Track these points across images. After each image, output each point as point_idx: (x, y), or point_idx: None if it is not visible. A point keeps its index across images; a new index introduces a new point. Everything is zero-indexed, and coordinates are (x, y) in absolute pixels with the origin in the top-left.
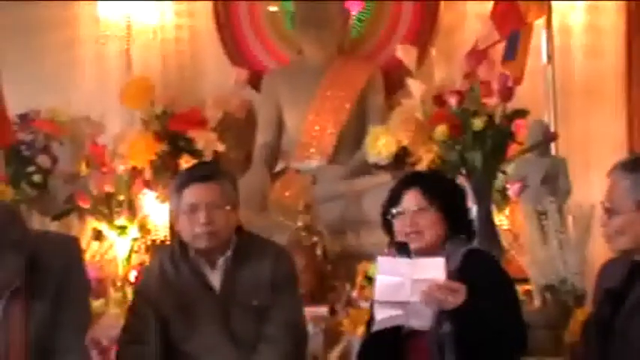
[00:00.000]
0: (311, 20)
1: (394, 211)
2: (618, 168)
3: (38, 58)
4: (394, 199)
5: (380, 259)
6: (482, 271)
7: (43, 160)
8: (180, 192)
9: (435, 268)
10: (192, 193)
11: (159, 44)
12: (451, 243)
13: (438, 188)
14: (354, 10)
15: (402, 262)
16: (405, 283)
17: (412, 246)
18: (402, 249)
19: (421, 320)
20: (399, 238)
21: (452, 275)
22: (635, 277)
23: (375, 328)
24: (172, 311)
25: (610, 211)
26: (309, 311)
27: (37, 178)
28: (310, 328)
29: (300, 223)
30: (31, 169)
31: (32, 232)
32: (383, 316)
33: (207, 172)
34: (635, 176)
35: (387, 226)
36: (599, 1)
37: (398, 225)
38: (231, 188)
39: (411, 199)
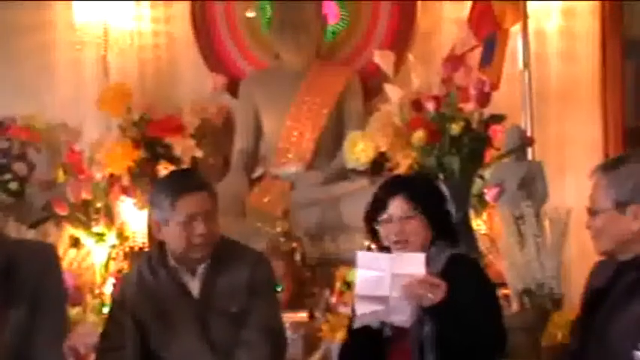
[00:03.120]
0: (288, 25)
1: (380, 217)
2: (598, 169)
3: (14, 64)
4: (379, 205)
5: (359, 253)
6: (465, 275)
7: (19, 167)
8: (174, 201)
9: (415, 263)
10: (189, 203)
11: (136, 50)
12: (435, 247)
13: (424, 194)
14: (331, 21)
15: (382, 257)
16: (385, 277)
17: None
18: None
19: (401, 316)
20: (385, 244)
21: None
22: (617, 276)
23: (356, 324)
24: (151, 318)
25: (592, 212)
26: (288, 317)
27: (13, 185)
28: (289, 333)
29: (278, 229)
30: (8, 176)
31: (8, 240)
32: (363, 311)
33: (199, 181)
34: (612, 176)
35: (371, 231)
36: (575, 2)
37: (384, 232)
38: (215, 196)
39: (397, 206)
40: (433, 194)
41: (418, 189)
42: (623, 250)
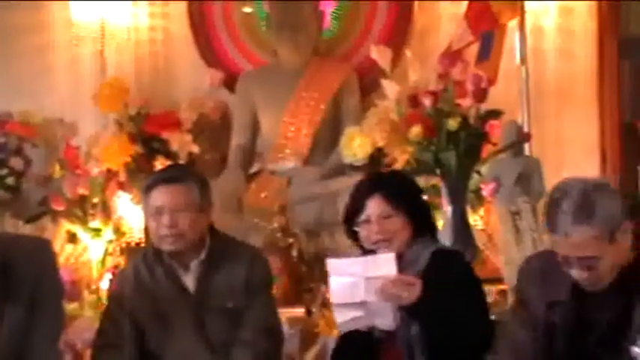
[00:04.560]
0: (286, 22)
1: (359, 218)
2: (581, 224)
3: (11, 61)
4: (357, 206)
5: (329, 261)
6: (448, 271)
7: (16, 162)
8: (147, 194)
9: (386, 264)
10: (157, 196)
11: (133, 46)
12: (417, 244)
13: (402, 191)
14: (329, 8)
15: (352, 262)
16: (358, 282)
17: (381, 253)
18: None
19: (384, 319)
20: (366, 245)
21: (419, 277)
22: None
23: (340, 331)
24: (147, 314)
25: (593, 261)
26: (285, 313)
27: (10, 180)
28: (286, 329)
29: (275, 225)
30: (4, 171)
31: (4, 236)
32: (343, 318)
33: (172, 174)
34: (594, 223)
35: (351, 233)
36: (571, 2)
37: (364, 233)
38: (198, 190)
39: (376, 206)
40: (410, 190)
41: (395, 186)
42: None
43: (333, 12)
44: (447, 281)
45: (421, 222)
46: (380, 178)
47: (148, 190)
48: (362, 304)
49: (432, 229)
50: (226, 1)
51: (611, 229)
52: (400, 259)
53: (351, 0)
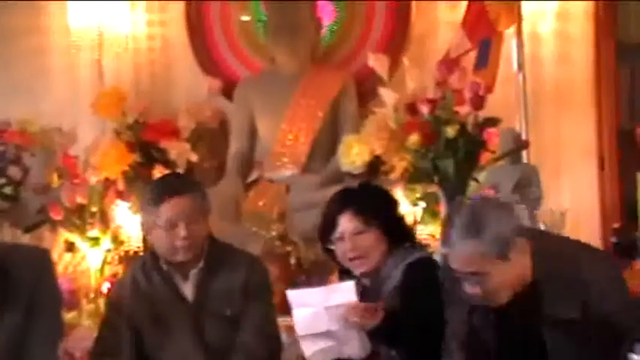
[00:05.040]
0: (283, 29)
1: (333, 236)
2: (466, 238)
3: (8, 67)
4: (329, 224)
5: (289, 292)
6: (421, 283)
7: (14, 171)
8: (155, 207)
9: (346, 292)
10: (168, 208)
11: (131, 54)
12: (393, 257)
13: (373, 204)
14: (326, 20)
15: (312, 292)
16: (319, 312)
17: (357, 271)
18: (347, 275)
19: (352, 348)
20: (343, 262)
21: (393, 293)
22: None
23: None
24: (145, 322)
25: (482, 276)
26: (284, 320)
27: (8, 189)
28: (284, 337)
29: (273, 233)
30: (2, 180)
31: (2, 245)
32: (313, 349)
33: (179, 185)
34: (482, 238)
35: (329, 253)
36: (569, 5)
37: (339, 250)
38: (202, 198)
39: (348, 222)
40: (382, 202)
41: (366, 200)
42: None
43: (332, 24)
44: (420, 295)
45: (397, 233)
46: (350, 194)
47: (156, 202)
48: (328, 334)
49: (409, 237)
50: (225, 8)
51: (501, 246)
52: (377, 273)
53: (348, 0)
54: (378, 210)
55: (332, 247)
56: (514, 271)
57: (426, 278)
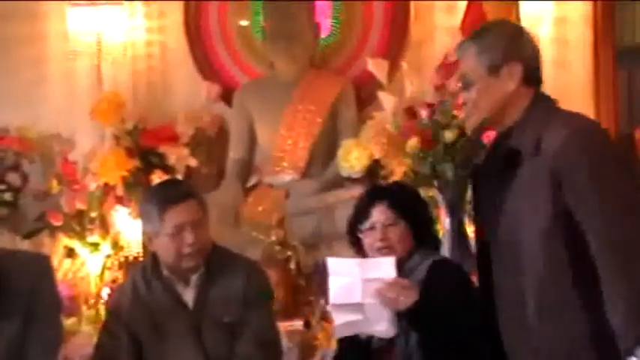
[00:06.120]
0: (281, 34)
1: (363, 226)
2: (463, 42)
3: (7, 74)
4: (362, 214)
5: (329, 259)
6: (447, 281)
7: (13, 178)
8: (159, 215)
9: (385, 267)
10: (175, 214)
11: (129, 60)
12: (417, 255)
13: (406, 201)
14: (324, 31)
15: (351, 263)
16: (356, 283)
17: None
18: None
19: (381, 326)
20: (370, 253)
21: (418, 286)
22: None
23: (336, 335)
24: (145, 329)
25: (465, 86)
26: (284, 326)
27: (7, 196)
28: (285, 342)
29: (273, 238)
30: (1, 187)
31: (1, 252)
32: (341, 321)
33: (184, 190)
34: (481, 41)
35: (355, 242)
36: (567, 10)
37: (368, 240)
38: (203, 203)
39: (381, 214)
40: (415, 202)
41: (400, 197)
42: (500, 118)
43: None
44: (445, 291)
45: (423, 233)
46: (386, 188)
47: (161, 209)
48: (359, 307)
49: (434, 241)
50: (223, 14)
51: (497, 61)
52: (400, 267)
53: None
54: (409, 207)
55: (360, 235)
56: (501, 91)
57: (453, 274)
